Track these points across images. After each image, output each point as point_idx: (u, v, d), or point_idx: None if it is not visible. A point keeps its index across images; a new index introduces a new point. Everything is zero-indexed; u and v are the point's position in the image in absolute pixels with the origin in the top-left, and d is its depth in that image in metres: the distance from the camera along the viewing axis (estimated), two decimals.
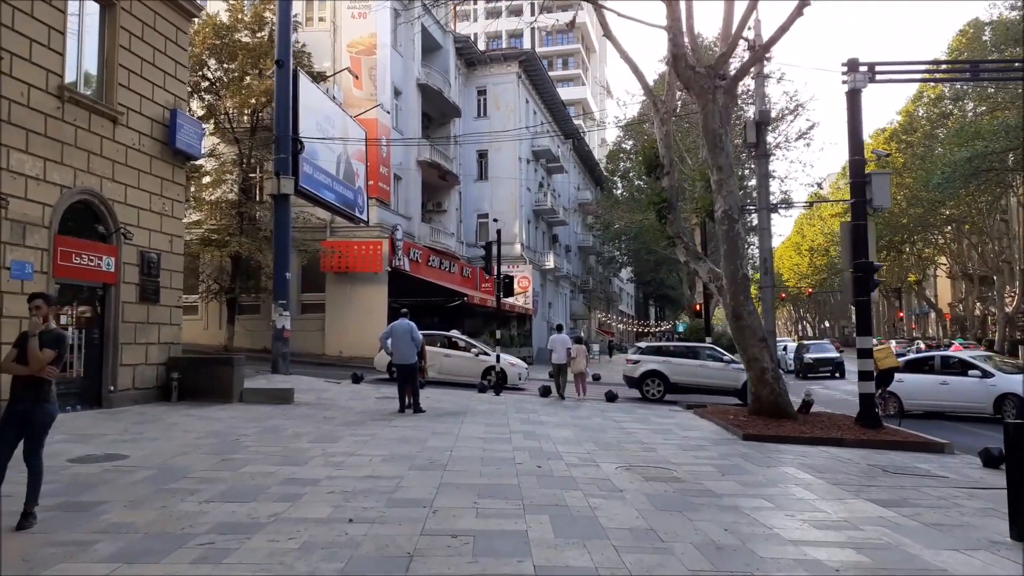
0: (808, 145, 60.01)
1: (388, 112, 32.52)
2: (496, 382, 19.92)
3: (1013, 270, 54.48)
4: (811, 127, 43.85)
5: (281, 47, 20.44)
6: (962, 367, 17.22)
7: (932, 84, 53.16)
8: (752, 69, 16.09)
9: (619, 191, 57.26)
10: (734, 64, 18.38)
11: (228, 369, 14.75)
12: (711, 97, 14.24)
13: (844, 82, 13.66)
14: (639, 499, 7.25)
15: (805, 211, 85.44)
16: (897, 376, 17.10)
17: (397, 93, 34.24)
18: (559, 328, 20.71)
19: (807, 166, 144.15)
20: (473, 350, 22.21)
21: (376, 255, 30.32)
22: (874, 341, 16.20)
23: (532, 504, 6.80)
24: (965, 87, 47.93)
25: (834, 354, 36.05)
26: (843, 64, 13.71)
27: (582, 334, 51.16)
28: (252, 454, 9.14)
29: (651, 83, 17.54)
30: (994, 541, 6.09)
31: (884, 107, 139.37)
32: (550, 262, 50.50)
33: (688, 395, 19.75)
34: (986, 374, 16.55)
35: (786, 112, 36.93)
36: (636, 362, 20.92)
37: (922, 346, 55.66)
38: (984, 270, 56.28)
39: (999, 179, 41.88)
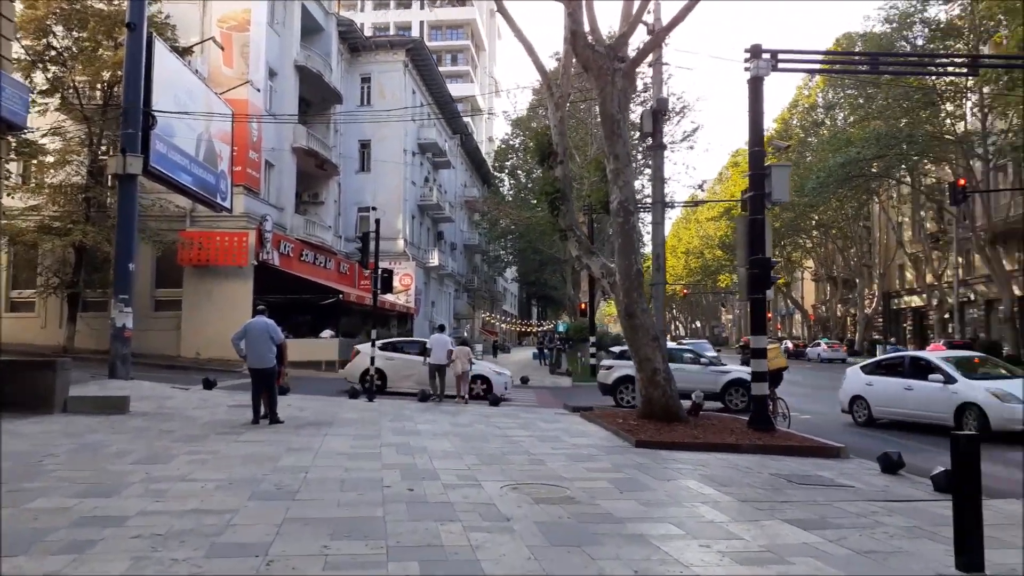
0: (692, 148, 61.07)
1: (259, 91, 30.16)
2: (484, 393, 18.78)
3: (872, 274, 57.60)
4: (695, 129, 44.45)
5: (133, 9, 18.17)
6: (927, 370, 14.76)
7: (807, 93, 55.57)
8: (651, 55, 15.34)
9: (506, 188, 56.49)
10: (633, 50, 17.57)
11: (49, 373, 12.55)
12: (610, 79, 13.31)
13: (746, 68, 13.04)
14: (530, 530, 6.04)
15: (683, 214, 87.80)
16: (867, 379, 16.10)
17: (272, 74, 31.91)
18: (441, 328, 19.39)
19: (690, 168, 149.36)
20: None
21: (241, 247, 27.98)
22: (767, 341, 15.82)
23: (399, 546, 5.45)
24: (838, 98, 50.18)
25: (713, 354, 36.52)
26: (746, 51, 13.08)
27: (465, 334, 50.07)
28: (54, 481, 7.34)
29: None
30: (941, 574, 5.25)
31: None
32: (434, 259, 49.03)
33: None
34: (948, 379, 14.07)
35: (673, 113, 37.09)
36: (609, 368, 19.40)
37: (789, 346, 57.98)
38: (847, 273, 59.21)
39: (866, 186, 43.84)
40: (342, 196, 40.92)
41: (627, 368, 18.68)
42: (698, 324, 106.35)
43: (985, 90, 36.52)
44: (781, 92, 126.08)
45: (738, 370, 19.02)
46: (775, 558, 5.53)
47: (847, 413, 16.45)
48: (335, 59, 38.63)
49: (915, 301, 53.46)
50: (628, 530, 6.19)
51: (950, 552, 5.17)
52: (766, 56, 12.80)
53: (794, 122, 57.45)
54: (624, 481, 8.51)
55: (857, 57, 15.38)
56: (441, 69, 56.11)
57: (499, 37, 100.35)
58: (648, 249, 27.17)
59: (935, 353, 16.69)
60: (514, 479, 8.30)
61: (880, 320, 57.41)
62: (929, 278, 50.00)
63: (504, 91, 68.62)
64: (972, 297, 44.74)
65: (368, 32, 63.25)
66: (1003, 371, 15.12)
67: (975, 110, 37.68)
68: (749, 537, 6.13)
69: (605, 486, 8.16)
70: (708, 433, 12.40)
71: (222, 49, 29.17)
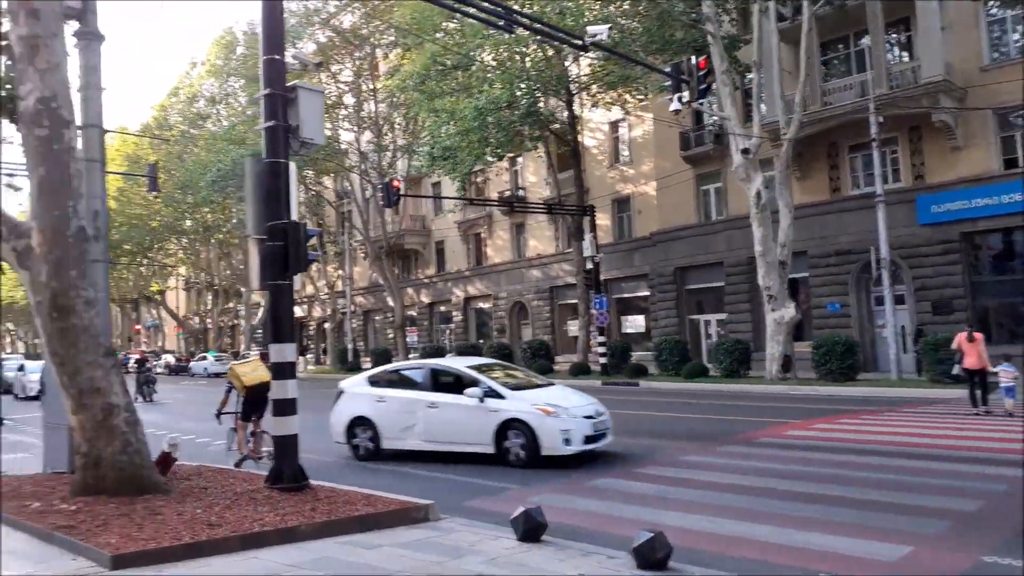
0: None
1: None
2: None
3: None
4: None
5: None
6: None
7: (189, 83, 50.44)
8: None
9: None
10: None
11: None
12: None
13: None
14: None
15: None
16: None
17: None
18: None
19: None
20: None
21: None
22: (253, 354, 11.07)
23: None
24: (218, 95, 46.69)
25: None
26: None
27: None
28: None
29: None
30: None
31: (140, 102, 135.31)
32: None
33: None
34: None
35: None
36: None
37: (171, 360, 51.87)
38: (231, 282, 55.87)
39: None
40: None
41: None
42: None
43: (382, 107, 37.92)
44: (162, 78, 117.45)
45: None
46: None
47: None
48: None
49: (296, 312, 53.29)
50: None
51: None
52: None
53: (175, 113, 51.77)
54: None
55: None
56: None
57: None
58: None
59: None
60: None
61: (260, 332, 55.61)
62: (310, 289, 50.27)
63: None
64: (354, 308, 46.24)
65: None
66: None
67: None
68: None
69: None
70: (220, 509, 7.30)
71: None
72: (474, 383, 10.95)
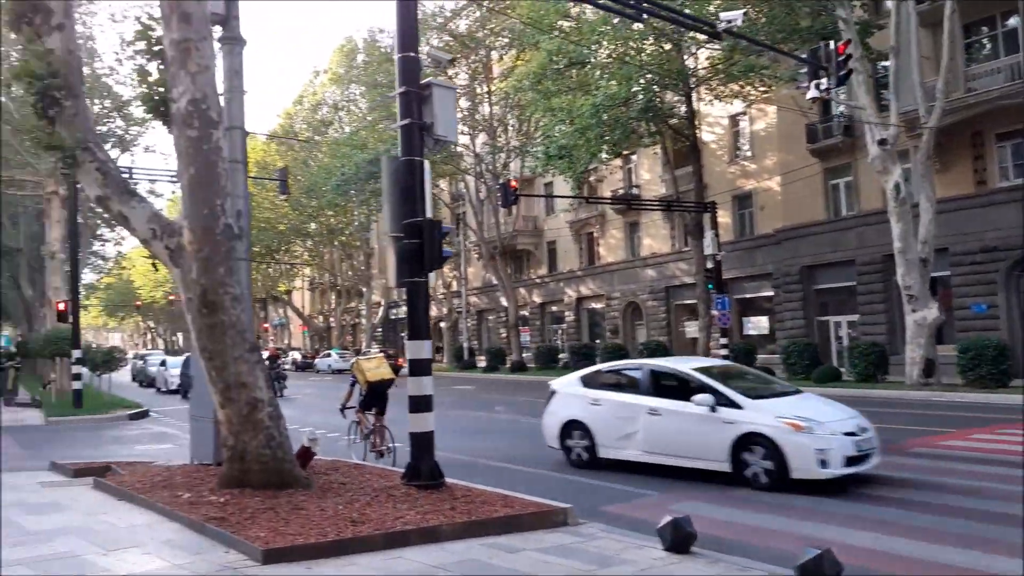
0: None
1: None
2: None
3: (372, 284, 57.20)
4: None
5: None
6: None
7: (312, 91, 52.40)
8: None
9: None
10: None
11: None
12: None
13: None
14: None
15: None
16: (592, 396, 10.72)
17: None
18: None
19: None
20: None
21: None
22: (375, 351, 11.18)
23: None
24: (340, 102, 48.31)
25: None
26: None
27: None
28: None
29: None
30: None
31: (267, 110, 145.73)
32: None
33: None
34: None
35: None
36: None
37: (298, 357, 54.09)
38: (352, 282, 57.68)
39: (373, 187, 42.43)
40: None
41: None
42: (179, 336, 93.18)
43: (497, 109, 38.04)
44: (288, 86, 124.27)
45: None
46: None
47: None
48: None
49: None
50: None
51: None
52: None
53: (299, 120, 53.94)
54: None
55: None
56: None
57: None
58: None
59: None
60: None
61: (380, 331, 57.26)
62: None
63: None
64: (468, 308, 46.75)
65: None
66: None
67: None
68: None
69: None
70: (360, 506, 7.31)
71: None
72: (702, 388, 9.58)
